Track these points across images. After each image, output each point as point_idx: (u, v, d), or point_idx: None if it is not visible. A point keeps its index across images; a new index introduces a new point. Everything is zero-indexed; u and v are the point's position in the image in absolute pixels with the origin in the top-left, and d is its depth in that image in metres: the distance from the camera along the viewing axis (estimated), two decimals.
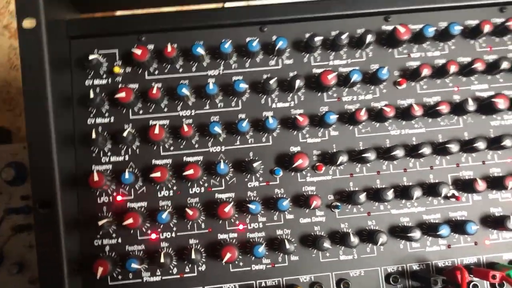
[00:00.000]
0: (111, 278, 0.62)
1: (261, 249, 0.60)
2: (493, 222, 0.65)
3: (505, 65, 0.65)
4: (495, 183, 0.65)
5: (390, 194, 0.62)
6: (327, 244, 0.61)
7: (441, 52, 0.68)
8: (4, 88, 1.11)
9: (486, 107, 0.66)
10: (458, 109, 0.66)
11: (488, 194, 0.66)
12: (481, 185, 0.63)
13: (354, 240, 0.61)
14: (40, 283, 0.57)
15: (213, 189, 0.64)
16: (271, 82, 0.63)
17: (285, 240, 0.60)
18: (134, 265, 0.58)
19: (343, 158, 0.62)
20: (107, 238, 0.62)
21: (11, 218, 0.87)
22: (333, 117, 0.63)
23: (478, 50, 0.68)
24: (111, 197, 0.63)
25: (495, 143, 0.64)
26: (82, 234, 0.62)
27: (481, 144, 0.63)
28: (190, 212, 0.60)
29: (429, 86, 0.67)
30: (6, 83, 1.11)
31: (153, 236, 0.62)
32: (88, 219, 0.62)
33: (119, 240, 0.62)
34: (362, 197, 0.62)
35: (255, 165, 0.61)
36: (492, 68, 0.66)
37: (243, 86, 0.63)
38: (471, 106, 0.64)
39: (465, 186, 0.65)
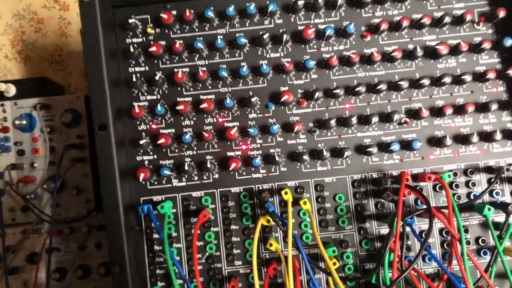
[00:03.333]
0: (149, 183, 0.85)
1: (258, 160, 0.82)
2: (436, 142, 0.85)
3: (447, 19, 0.83)
4: (439, 112, 0.84)
5: (354, 120, 0.83)
6: (306, 157, 0.82)
7: (399, 11, 0.87)
8: (57, 52, 1.34)
9: (433, 53, 0.84)
10: (411, 55, 0.85)
11: (433, 121, 0.85)
12: (425, 112, 0.83)
13: (326, 154, 0.82)
14: (101, 186, 0.80)
15: (223, 119, 0.86)
16: (265, 37, 0.83)
17: (275, 155, 0.82)
18: (166, 171, 0.81)
19: (319, 94, 0.83)
20: (146, 155, 0.85)
21: (69, 152, 1.11)
22: (312, 63, 0.83)
23: (429, 9, 0.87)
24: (147, 126, 0.86)
25: (438, 81, 0.83)
26: (128, 152, 0.85)
27: (425, 81, 0.83)
28: (206, 134, 0.82)
29: (388, 38, 0.87)
30: (58, 47, 1.34)
31: (180, 153, 0.85)
32: (132, 142, 0.85)
33: (155, 156, 0.85)
34: (333, 122, 0.83)
35: (252, 100, 0.83)
36: (439, 22, 0.85)
37: (243, 40, 0.83)
38: (419, 52, 0.83)
39: (415, 114, 0.84)
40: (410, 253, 0.84)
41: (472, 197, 0.83)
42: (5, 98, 1.16)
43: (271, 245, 0.78)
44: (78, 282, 1.13)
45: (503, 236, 0.78)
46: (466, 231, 0.84)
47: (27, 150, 1.13)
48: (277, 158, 0.82)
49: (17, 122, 1.10)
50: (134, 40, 0.87)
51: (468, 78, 0.83)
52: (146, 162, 0.85)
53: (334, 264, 0.78)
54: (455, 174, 0.84)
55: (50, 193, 1.11)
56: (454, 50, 0.84)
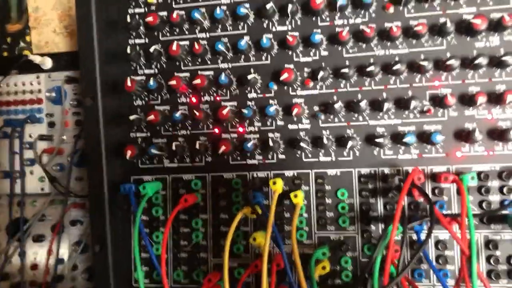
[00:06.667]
0: (141, 162, 0.81)
1: (250, 145, 0.74)
2: (466, 136, 0.70)
3: None
4: (472, 100, 0.69)
5: (363, 105, 0.71)
6: (303, 145, 0.73)
7: None
8: None
9: (468, 28, 0.70)
10: (441, 31, 0.71)
11: (464, 111, 0.71)
12: (450, 100, 0.68)
13: (328, 143, 0.72)
14: (88, 161, 0.78)
15: (220, 98, 0.79)
16: (268, 7, 0.74)
17: (270, 140, 0.73)
18: (154, 150, 0.76)
19: (324, 73, 0.72)
20: (140, 132, 0.81)
21: None
22: (318, 37, 0.73)
23: None
24: (144, 101, 0.81)
25: (473, 63, 0.69)
26: (122, 128, 0.81)
27: (454, 63, 0.68)
28: (197, 113, 0.75)
29: (416, 10, 0.73)
30: None
31: (174, 132, 0.80)
32: (126, 117, 0.80)
33: (148, 134, 0.81)
34: (338, 106, 0.72)
35: (249, 77, 0.74)
36: None
37: (243, 11, 0.75)
38: (450, 27, 0.69)
39: (441, 102, 0.70)
40: (423, 266, 0.71)
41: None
42: (42, 70, 1.19)
43: (254, 239, 0.70)
44: None
45: None
46: (495, 246, 0.69)
47: (58, 123, 1.15)
48: (271, 144, 0.73)
49: (47, 94, 1.12)
50: (136, 10, 0.82)
51: (511, 60, 0.67)
52: (140, 140, 0.81)
53: (324, 268, 0.68)
54: (486, 177, 0.69)
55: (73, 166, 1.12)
56: (497, 26, 0.69)
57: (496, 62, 0.69)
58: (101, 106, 0.77)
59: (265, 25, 0.77)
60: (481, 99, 0.67)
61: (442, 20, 0.71)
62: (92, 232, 0.77)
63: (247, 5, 0.77)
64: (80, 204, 1.16)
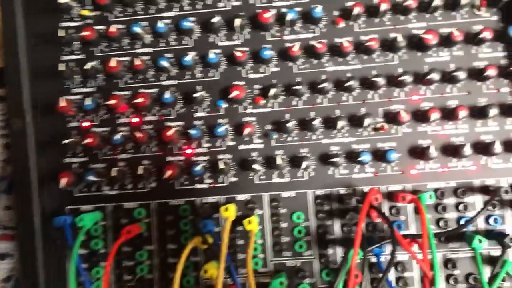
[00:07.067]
0: (77, 190, 0.73)
1: (199, 168, 0.69)
2: (420, 153, 0.69)
3: (438, 2, 0.67)
4: (424, 116, 0.68)
5: (316, 123, 0.68)
6: (256, 166, 0.68)
7: None
8: None
9: (419, 44, 0.69)
10: (392, 46, 0.69)
11: (417, 127, 0.69)
12: (404, 116, 0.67)
13: (279, 163, 0.68)
14: (15, 191, 0.70)
15: (164, 117, 0.73)
16: (213, 21, 0.70)
17: (219, 162, 0.68)
18: (91, 177, 0.69)
19: (274, 90, 0.69)
20: (76, 157, 0.73)
21: None
22: (267, 53, 0.69)
23: None
24: (79, 122, 0.74)
25: (424, 78, 0.68)
26: (56, 153, 0.73)
27: (407, 78, 0.67)
28: (140, 134, 0.69)
29: (366, 25, 0.71)
30: None
31: (113, 157, 0.73)
32: (60, 141, 0.72)
33: (85, 159, 0.73)
34: (290, 125, 0.68)
35: (195, 95, 0.70)
36: (428, 5, 0.69)
37: (188, 24, 0.70)
38: (401, 42, 0.68)
39: (394, 118, 0.69)
40: None
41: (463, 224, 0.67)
42: None
43: (206, 271, 0.64)
44: None
45: (496, 274, 0.61)
46: (454, 266, 0.67)
47: None
48: (221, 166, 0.68)
49: None
50: (72, 24, 0.75)
51: (461, 75, 0.67)
52: (77, 165, 0.73)
53: None
54: (442, 194, 0.68)
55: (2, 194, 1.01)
56: (447, 41, 0.68)
57: (448, 78, 0.68)
58: (32, 128, 0.69)
59: (211, 40, 0.73)
60: (435, 115, 0.66)
61: (392, 35, 0.70)
62: (21, 268, 0.68)
63: (192, 18, 0.73)
64: (9, 236, 1.05)
